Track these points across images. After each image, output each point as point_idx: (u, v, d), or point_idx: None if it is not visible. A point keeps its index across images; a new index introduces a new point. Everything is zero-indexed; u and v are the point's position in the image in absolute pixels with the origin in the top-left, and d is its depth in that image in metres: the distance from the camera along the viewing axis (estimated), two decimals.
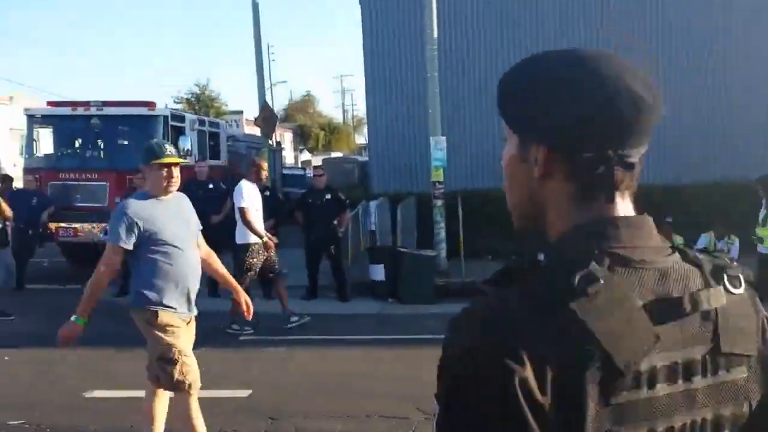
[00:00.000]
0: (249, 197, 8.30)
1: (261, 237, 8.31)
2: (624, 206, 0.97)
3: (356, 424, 5.39)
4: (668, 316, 0.89)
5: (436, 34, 12.35)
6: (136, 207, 4.18)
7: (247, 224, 8.22)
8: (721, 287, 0.94)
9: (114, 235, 4.22)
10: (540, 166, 0.96)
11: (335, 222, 10.20)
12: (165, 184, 4.18)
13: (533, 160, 0.97)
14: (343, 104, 67.35)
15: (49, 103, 13.46)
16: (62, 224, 11.65)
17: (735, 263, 0.98)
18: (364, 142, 46.89)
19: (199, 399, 5.77)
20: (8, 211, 9.47)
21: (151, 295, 4.20)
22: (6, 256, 9.85)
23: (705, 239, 11.04)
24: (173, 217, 4.26)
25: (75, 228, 11.66)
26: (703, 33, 15.42)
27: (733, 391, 0.93)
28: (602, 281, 0.86)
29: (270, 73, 43.14)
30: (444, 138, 12.29)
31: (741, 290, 0.96)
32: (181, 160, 4.35)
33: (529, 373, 0.82)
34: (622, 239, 0.93)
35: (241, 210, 8.22)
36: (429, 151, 12.35)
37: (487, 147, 15.59)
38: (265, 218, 10.37)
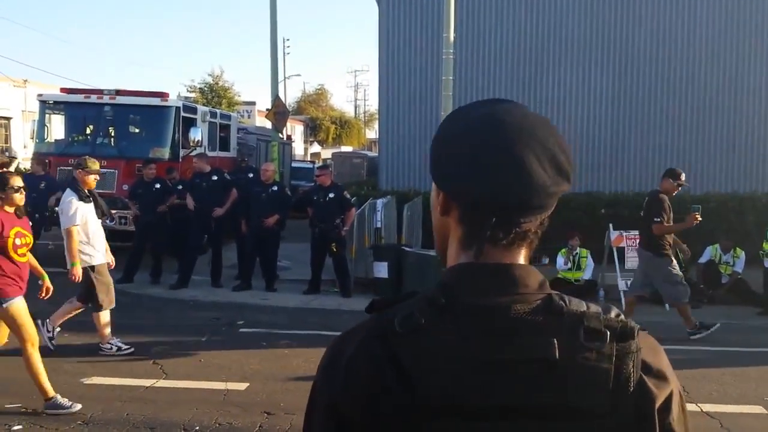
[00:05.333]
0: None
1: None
2: (501, 256, 1.01)
3: None
4: (494, 358, 0.92)
5: (452, 38, 12.31)
6: None
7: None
8: (555, 339, 0.92)
9: None
10: (439, 204, 1.06)
11: (338, 221, 10.20)
12: None
13: (438, 198, 1.07)
14: (355, 99, 67.60)
15: (63, 90, 13.51)
16: None
17: (610, 315, 0.96)
18: (375, 137, 46.89)
19: (197, 390, 5.83)
20: None
21: None
22: None
23: (710, 252, 11.00)
24: None
25: None
26: (720, 52, 15.34)
27: None
28: (422, 321, 0.93)
29: (284, 65, 43.23)
30: None
31: (599, 345, 0.93)
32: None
33: (341, 396, 0.95)
34: (477, 285, 0.98)
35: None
36: None
37: None
38: (271, 213, 10.39)
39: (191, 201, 10.49)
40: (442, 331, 0.93)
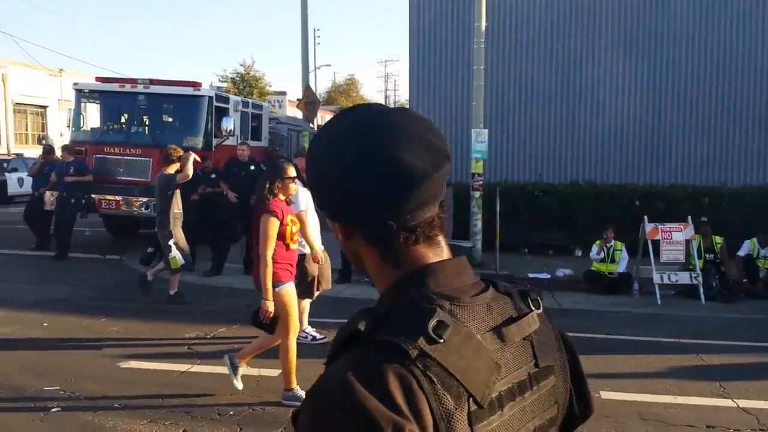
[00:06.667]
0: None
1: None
2: (434, 253, 1.03)
3: None
4: (501, 344, 0.98)
5: (484, 28, 12.21)
6: None
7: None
8: (534, 312, 1.05)
9: None
10: (336, 233, 1.07)
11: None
12: None
13: (335, 225, 1.07)
14: (385, 89, 67.44)
15: (98, 79, 13.67)
16: (105, 196, 11.90)
17: (530, 287, 1.10)
18: None
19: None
20: None
21: None
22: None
23: (748, 245, 10.81)
24: None
25: (117, 201, 11.90)
26: (755, 42, 14.99)
27: (549, 398, 1.05)
28: (451, 325, 0.92)
29: (315, 55, 43.31)
30: (486, 131, 12.20)
31: (540, 310, 1.07)
32: None
33: (417, 429, 0.85)
34: (445, 282, 0.99)
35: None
36: (470, 142, 12.29)
37: (528, 140, 15.45)
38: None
39: (233, 194, 10.65)
40: (462, 332, 0.93)
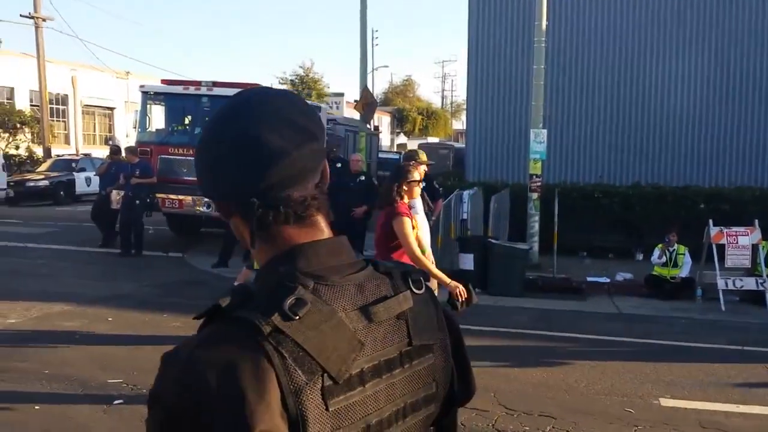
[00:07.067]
0: None
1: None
2: (307, 233, 1.04)
3: None
4: (368, 323, 0.99)
5: (544, 26, 12.06)
6: None
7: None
8: (408, 291, 1.06)
9: None
10: (216, 210, 1.09)
11: (427, 209, 10.18)
12: None
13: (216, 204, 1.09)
14: (442, 90, 67.33)
15: (163, 81, 14.05)
16: (168, 196, 12.25)
17: (414, 269, 1.13)
18: (461, 128, 46.54)
19: None
20: None
21: None
22: None
23: None
24: None
25: (180, 200, 12.22)
26: None
27: (424, 376, 1.06)
28: (309, 303, 0.93)
29: (372, 57, 43.54)
30: (545, 131, 12.03)
31: (422, 291, 1.09)
32: None
33: (260, 405, 0.86)
34: (316, 262, 1.01)
35: None
36: (528, 143, 12.15)
37: (588, 141, 15.19)
38: (358, 204, 10.49)
39: None
40: (323, 310, 0.95)
